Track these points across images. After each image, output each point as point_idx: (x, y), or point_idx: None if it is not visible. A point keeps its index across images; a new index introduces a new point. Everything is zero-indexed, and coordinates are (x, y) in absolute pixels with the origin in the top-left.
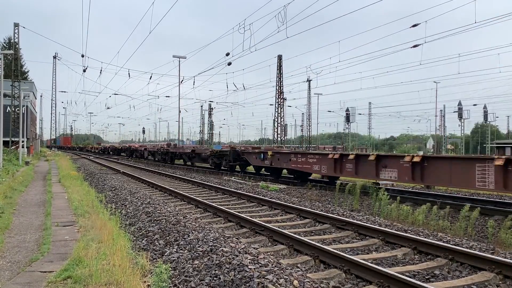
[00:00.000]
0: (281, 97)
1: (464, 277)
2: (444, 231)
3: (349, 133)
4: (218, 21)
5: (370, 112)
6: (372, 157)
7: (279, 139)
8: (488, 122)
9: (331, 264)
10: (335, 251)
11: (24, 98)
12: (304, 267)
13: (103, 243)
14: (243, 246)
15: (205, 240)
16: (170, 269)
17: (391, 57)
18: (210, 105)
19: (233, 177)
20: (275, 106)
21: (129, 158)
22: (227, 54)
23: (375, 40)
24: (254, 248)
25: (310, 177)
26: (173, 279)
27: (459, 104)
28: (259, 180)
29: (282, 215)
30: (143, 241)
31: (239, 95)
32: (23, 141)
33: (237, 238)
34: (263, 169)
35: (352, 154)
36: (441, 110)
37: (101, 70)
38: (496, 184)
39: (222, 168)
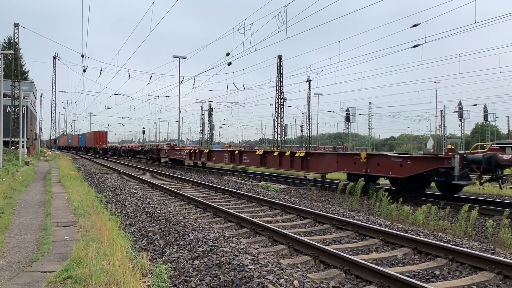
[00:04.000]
0: (281, 97)
1: (464, 277)
2: (444, 231)
3: (349, 133)
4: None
5: (370, 112)
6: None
7: (279, 139)
8: (488, 122)
9: (331, 264)
10: (335, 251)
11: (24, 98)
12: (304, 267)
13: (103, 243)
14: (243, 246)
15: (205, 240)
16: (170, 269)
17: (391, 57)
18: (210, 105)
19: (233, 177)
20: (275, 106)
21: (129, 157)
22: (227, 54)
23: (375, 40)
24: (254, 248)
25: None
26: (173, 279)
27: (459, 104)
28: (259, 180)
29: (282, 215)
30: (143, 241)
31: (239, 95)
32: (23, 141)
33: (237, 238)
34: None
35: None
36: (441, 110)
37: (101, 70)
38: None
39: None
